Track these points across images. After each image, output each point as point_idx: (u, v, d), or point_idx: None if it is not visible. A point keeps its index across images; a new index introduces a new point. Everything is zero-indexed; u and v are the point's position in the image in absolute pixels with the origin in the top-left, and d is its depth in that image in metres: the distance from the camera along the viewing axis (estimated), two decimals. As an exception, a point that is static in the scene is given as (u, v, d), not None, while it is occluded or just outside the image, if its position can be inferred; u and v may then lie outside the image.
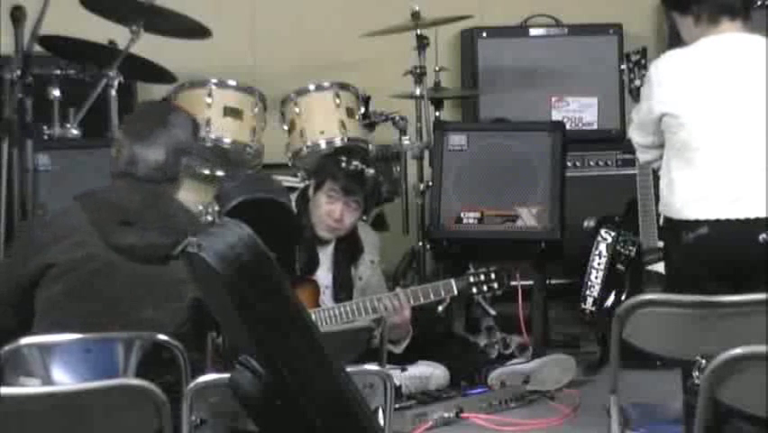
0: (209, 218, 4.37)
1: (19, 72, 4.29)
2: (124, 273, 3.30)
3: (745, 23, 3.64)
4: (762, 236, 3.52)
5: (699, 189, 3.59)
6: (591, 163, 5.71)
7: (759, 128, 3.54)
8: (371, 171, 4.63)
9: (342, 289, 4.79)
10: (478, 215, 5.08)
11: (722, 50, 3.64)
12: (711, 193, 3.57)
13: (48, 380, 3.04)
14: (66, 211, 3.48)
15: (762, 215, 3.52)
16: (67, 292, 3.31)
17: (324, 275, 4.80)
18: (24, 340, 3.06)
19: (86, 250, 3.32)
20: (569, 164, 5.34)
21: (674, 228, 3.65)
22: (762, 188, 3.52)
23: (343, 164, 4.57)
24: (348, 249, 4.78)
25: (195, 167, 3.58)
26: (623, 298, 4.65)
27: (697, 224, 3.58)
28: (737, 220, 3.55)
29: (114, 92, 4.81)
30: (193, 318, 3.28)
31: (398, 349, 4.61)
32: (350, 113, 4.89)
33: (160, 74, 4.94)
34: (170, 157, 3.40)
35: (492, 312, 5.00)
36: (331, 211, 4.61)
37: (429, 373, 4.78)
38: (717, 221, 3.56)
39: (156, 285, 3.30)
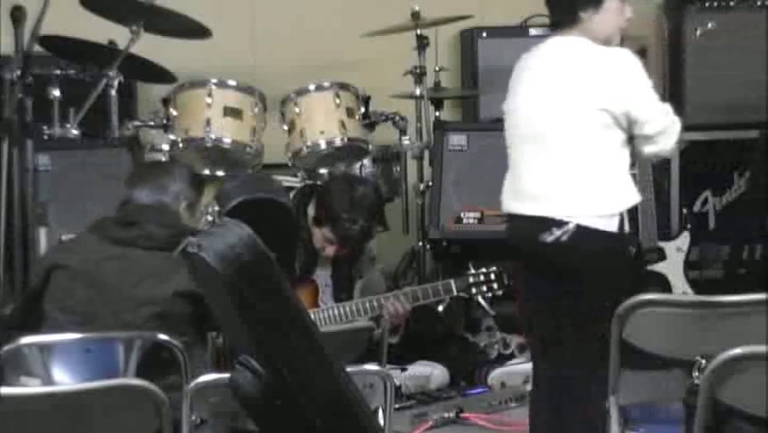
0: (209, 218, 4.39)
1: (19, 72, 4.28)
2: (116, 261, 3.45)
3: (572, 30, 3.65)
4: (542, 236, 3.58)
5: (509, 185, 3.73)
6: (591, 163, 5.71)
7: (558, 133, 3.59)
8: (366, 225, 4.68)
9: (343, 287, 4.80)
10: (478, 215, 5.08)
11: (540, 53, 3.71)
12: (513, 189, 3.70)
13: (48, 380, 3.04)
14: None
15: (547, 214, 3.58)
16: (64, 288, 3.45)
17: (324, 273, 4.81)
18: (24, 340, 3.07)
19: (84, 247, 3.53)
20: (569, 164, 5.33)
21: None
22: (551, 189, 3.59)
23: (347, 224, 4.61)
24: (348, 247, 4.80)
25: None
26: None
27: (508, 216, 3.74)
28: (526, 216, 3.64)
29: (114, 92, 4.81)
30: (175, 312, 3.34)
31: (395, 339, 4.60)
32: (350, 113, 4.89)
33: (160, 74, 4.94)
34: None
35: (492, 312, 5.00)
36: (324, 248, 4.73)
37: (429, 372, 4.79)
38: (515, 215, 3.69)
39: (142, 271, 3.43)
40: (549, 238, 3.56)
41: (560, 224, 3.55)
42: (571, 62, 3.63)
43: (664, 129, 3.58)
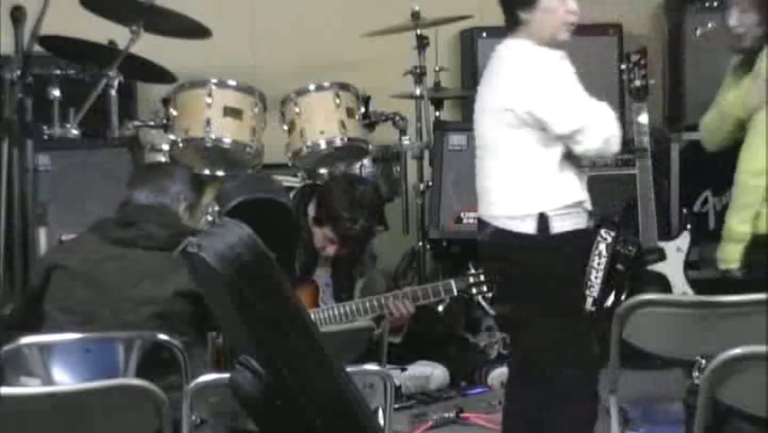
0: (209, 218, 4.39)
1: (19, 72, 4.28)
2: (115, 261, 3.45)
3: (518, 32, 3.67)
4: (478, 236, 3.70)
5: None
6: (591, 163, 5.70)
7: (484, 135, 3.69)
8: (367, 225, 4.68)
9: (343, 287, 4.80)
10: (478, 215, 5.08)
11: (492, 56, 3.78)
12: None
13: (48, 380, 3.04)
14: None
15: (481, 215, 3.70)
16: (64, 288, 3.45)
17: (324, 273, 4.81)
18: (24, 340, 3.07)
19: (84, 248, 3.54)
20: (569, 164, 5.33)
21: None
22: (483, 191, 3.68)
23: (348, 223, 4.61)
24: (348, 247, 4.81)
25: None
26: (623, 298, 4.65)
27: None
28: (478, 218, 3.75)
29: (114, 92, 4.81)
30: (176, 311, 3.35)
31: (398, 339, 4.61)
32: (350, 113, 4.88)
33: (160, 74, 4.94)
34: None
35: (492, 312, 5.00)
36: (324, 248, 4.74)
37: (429, 372, 4.79)
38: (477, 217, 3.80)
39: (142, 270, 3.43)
40: (479, 238, 3.70)
41: (485, 225, 3.65)
42: (494, 65, 3.69)
43: (581, 128, 3.55)
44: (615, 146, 3.58)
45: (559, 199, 3.57)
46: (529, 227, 3.55)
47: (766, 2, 3.67)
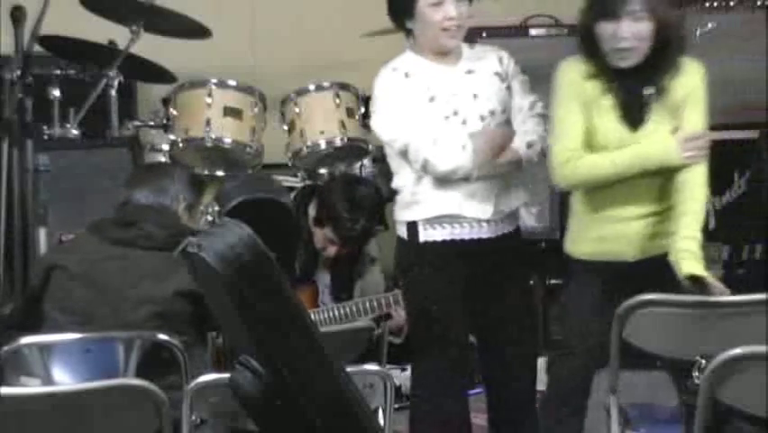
0: (209, 218, 4.39)
1: (19, 72, 4.29)
2: (115, 261, 3.46)
3: (414, 43, 3.77)
4: None
5: None
6: (591, 163, 5.69)
7: None
8: (368, 225, 4.70)
9: (343, 287, 4.80)
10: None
11: None
12: None
13: (48, 380, 3.05)
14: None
15: None
16: (63, 288, 3.46)
17: (324, 274, 4.81)
18: (24, 340, 3.07)
19: (84, 248, 3.54)
20: (569, 164, 5.33)
21: None
22: None
23: (348, 224, 4.62)
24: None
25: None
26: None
27: None
28: None
29: (114, 92, 4.81)
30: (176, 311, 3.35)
31: (398, 339, 4.60)
32: (350, 113, 4.88)
33: (159, 74, 4.94)
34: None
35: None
36: (325, 249, 4.76)
37: (429, 372, 4.77)
38: None
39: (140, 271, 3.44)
40: None
41: None
42: None
43: (403, 150, 3.62)
44: (438, 168, 3.60)
45: (426, 210, 3.67)
46: (403, 233, 3.71)
47: (663, 8, 3.53)
